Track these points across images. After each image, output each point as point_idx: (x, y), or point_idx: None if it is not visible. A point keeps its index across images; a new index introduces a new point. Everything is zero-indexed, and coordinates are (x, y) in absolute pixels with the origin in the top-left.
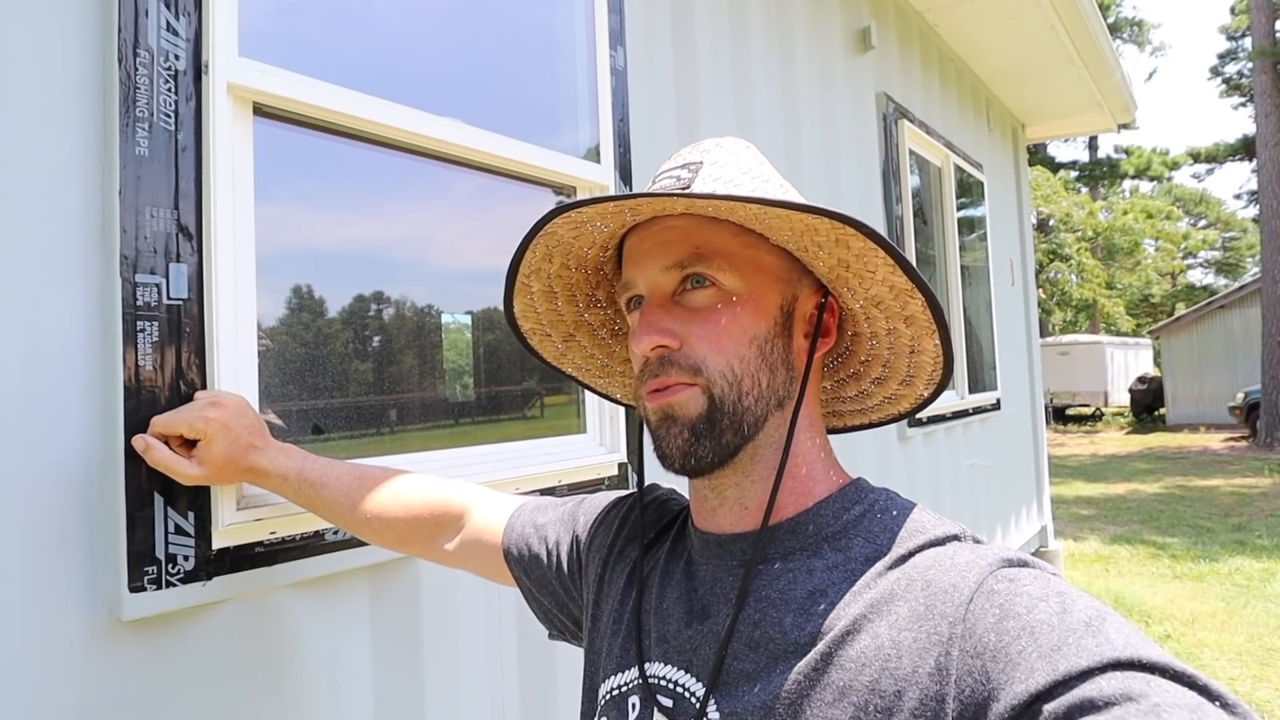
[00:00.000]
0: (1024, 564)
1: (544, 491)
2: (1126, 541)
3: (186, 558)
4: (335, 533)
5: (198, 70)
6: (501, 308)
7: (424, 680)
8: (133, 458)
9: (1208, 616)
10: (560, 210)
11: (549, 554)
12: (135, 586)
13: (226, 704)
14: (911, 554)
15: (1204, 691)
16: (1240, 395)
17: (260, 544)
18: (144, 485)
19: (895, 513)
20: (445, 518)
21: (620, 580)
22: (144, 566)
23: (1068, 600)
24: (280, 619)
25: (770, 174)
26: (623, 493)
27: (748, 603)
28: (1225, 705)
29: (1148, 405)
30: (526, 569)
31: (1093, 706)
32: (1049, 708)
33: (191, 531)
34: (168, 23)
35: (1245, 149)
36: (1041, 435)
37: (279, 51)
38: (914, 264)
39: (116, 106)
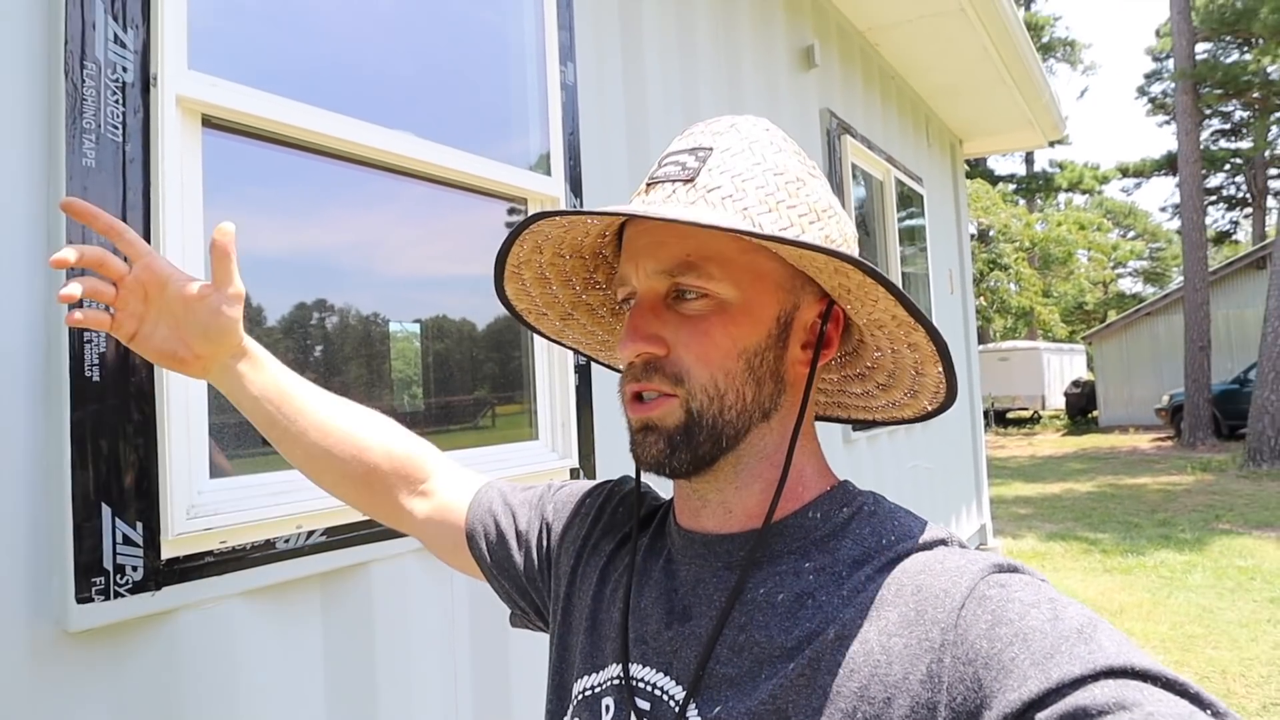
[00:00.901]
0: (1014, 569)
1: None
2: (1061, 538)
3: (135, 568)
4: (286, 541)
5: (146, 82)
6: (494, 292)
7: (376, 688)
8: (79, 468)
9: (1135, 607)
10: (542, 216)
11: (517, 536)
12: (82, 597)
13: (177, 715)
14: (900, 558)
15: (1196, 700)
16: (1165, 398)
17: (210, 553)
18: (91, 496)
19: (882, 516)
20: (407, 471)
21: (594, 575)
22: (91, 577)
23: (1059, 607)
24: (231, 628)
25: (785, 163)
26: (596, 481)
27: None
28: (1217, 714)
29: (1082, 408)
30: (491, 549)
31: (1086, 715)
32: (1042, 716)
33: (140, 541)
34: (115, 35)
35: (1169, 164)
36: (980, 437)
37: (228, 64)
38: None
39: (63, 118)
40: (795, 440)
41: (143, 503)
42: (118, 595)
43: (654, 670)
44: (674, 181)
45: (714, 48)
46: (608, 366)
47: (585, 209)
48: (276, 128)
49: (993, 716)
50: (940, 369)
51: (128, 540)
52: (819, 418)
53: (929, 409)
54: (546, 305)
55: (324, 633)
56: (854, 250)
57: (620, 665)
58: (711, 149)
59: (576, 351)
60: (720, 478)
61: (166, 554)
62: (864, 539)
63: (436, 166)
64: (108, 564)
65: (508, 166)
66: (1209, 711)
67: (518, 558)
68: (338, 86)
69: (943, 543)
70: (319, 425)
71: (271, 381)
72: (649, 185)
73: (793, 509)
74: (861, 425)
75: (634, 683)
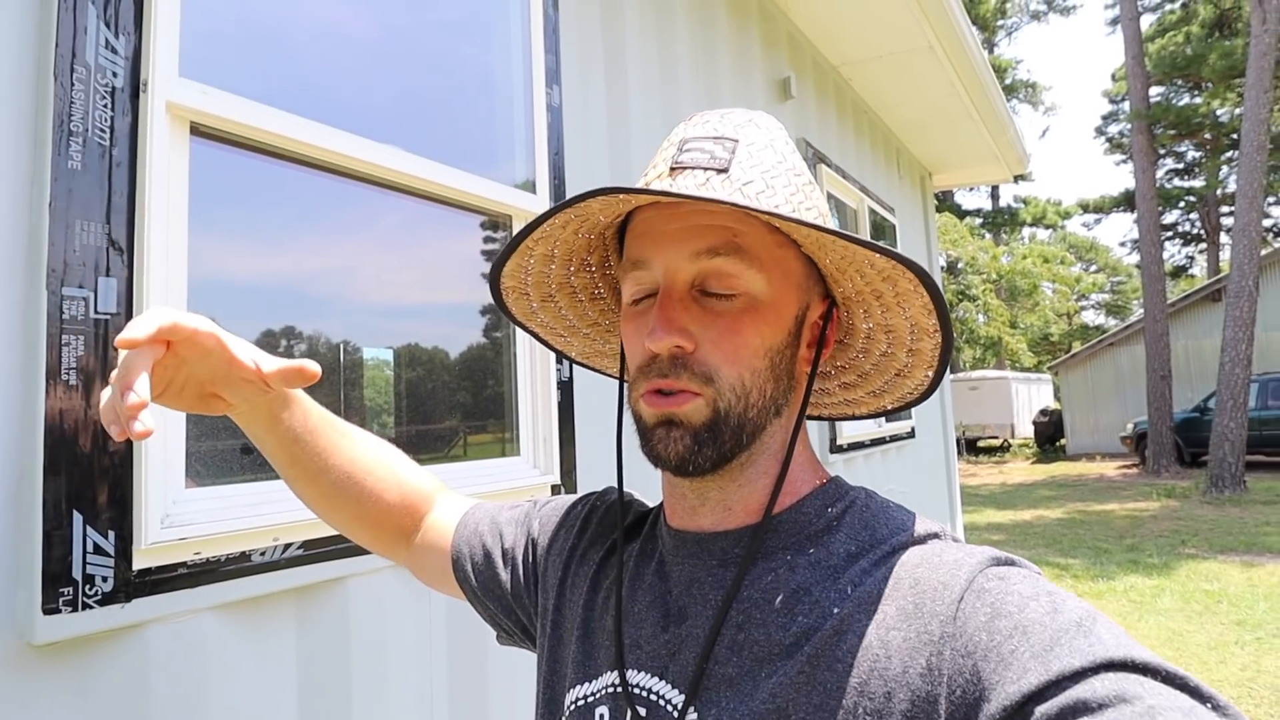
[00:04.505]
0: (1011, 562)
1: None
2: (1033, 564)
3: (105, 579)
4: (262, 554)
5: (135, 88)
6: (491, 265)
7: (351, 707)
8: (51, 473)
9: None
10: (607, 191)
11: (503, 554)
12: (49, 609)
13: None
14: (895, 552)
15: (1196, 694)
16: (1130, 426)
17: (184, 565)
18: (62, 503)
19: (875, 510)
20: (412, 504)
21: (584, 584)
22: (59, 588)
23: (1058, 600)
24: (203, 644)
25: (801, 165)
26: (581, 494)
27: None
28: (1217, 707)
29: (1050, 436)
30: (476, 571)
31: (1086, 708)
32: (1041, 709)
33: (111, 551)
34: (107, 41)
35: (1127, 201)
36: (953, 463)
37: (219, 73)
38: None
39: (50, 120)
40: (796, 435)
41: (115, 511)
42: (86, 607)
43: (649, 675)
44: (705, 169)
45: (694, 76)
46: (561, 354)
47: (656, 189)
48: (264, 137)
49: (992, 709)
50: (929, 373)
51: (98, 549)
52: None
53: (887, 407)
54: (534, 284)
55: (298, 650)
56: None
57: (614, 672)
58: (737, 140)
59: (536, 337)
60: (727, 475)
61: (138, 565)
62: (858, 533)
63: (423, 180)
64: (77, 574)
65: (493, 182)
66: (1209, 705)
67: (504, 575)
68: (327, 102)
69: (936, 536)
70: (340, 465)
71: (301, 421)
72: (674, 169)
73: (787, 504)
74: (842, 419)
75: (630, 689)
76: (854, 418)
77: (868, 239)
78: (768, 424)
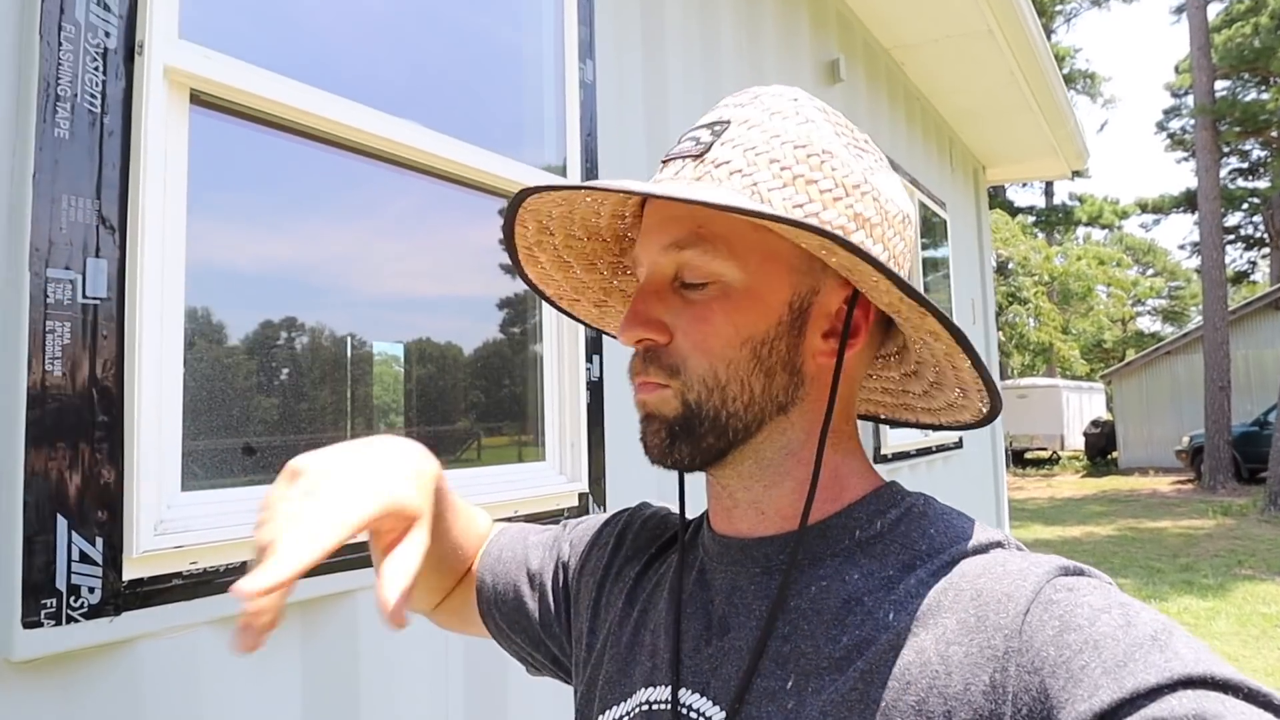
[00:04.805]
0: (1080, 572)
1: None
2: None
3: (92, 589)
4: None
5: (130, 50)
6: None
7: None
8: (33, 474)
9: None
10: (531, 191)
11: (530, 579)
12: (30, 622)
13: None
14: (955, 561)
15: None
16: (1185, 439)
17: (179, 575)
18: (45, 506)
19: (933, 517)
20: (469, 555)
21: (619, 602)
22: (41, 599)
23: (1131, 612)
24: (199, 661)
25: (811, 135)
26: (613, 512)
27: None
28: None
29: (1101, 449)
30: (500, 603)
31: None
32: None
33: (99, 560)
34: None
35: (1188, 201)
36: (1001, 474)
37: (222, 37)
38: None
39: (35, 84)
40: (824, 437)
41: (105, 516)
42: (71, 620)
43: (690, 691)
44: (685, 158)
45: (738, 54)
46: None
47: (573, 183)
48: (271, 107)
49: None
50: (970, 362)
51: (85, 558)
52: (888, 422)
53: (984, 411)
54: (577, 291)
55: (303, 667)
56: (895, 231)
57: (647, 689)
58: (729, 122)
59: (604, 332)
60: (744, 474)
61: (129, 574)
62: (914, 542)
63: (441, 159)
64: (61, 584)
65: (519, 163)
66: None
67: (531, 605)
68: (340, 73)
69: (999, 545)
70: (444, 555)
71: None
72: (663, 163)
73: (833, 510)
74: (929, 428)
75: (658, 706)
76: (965, 426)
77: (798, 219)
78: (766, 421)
